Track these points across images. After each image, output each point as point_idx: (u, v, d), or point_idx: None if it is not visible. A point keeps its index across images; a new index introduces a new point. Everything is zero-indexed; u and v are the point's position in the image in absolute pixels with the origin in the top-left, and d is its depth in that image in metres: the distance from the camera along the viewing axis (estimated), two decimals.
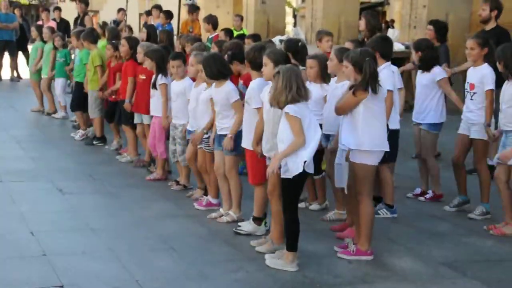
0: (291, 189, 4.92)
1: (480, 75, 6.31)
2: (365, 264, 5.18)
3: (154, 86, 7.40)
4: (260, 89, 5.44)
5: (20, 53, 16.83)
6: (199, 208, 6.47)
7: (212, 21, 11.61)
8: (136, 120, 8.07)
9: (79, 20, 14.28)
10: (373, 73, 5.09)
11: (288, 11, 34.11)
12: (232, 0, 20.15)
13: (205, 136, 6.32)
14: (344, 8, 15.19)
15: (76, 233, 5.71)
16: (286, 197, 4.97)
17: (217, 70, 5.99)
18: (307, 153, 4.80)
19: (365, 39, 8.31)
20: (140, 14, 31.51)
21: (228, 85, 5.99)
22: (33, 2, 41.98)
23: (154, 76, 7.44)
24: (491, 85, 6.28)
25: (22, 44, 16.81)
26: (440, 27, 8.09)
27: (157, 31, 10.54)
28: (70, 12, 15.92)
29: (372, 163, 5.19)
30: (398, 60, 8.44)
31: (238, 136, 5.89)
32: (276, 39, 14.42)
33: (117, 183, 7.40)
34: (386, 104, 5.90)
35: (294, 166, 4.81)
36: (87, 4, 14.76)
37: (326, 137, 5.99)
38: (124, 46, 8.42)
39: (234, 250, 5.43)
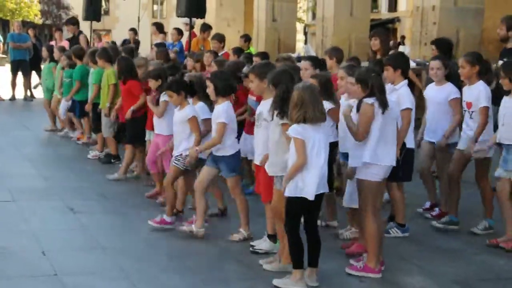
0: (287, 208, 4.91)
1: (477, 93, 6.32)
2: (376, 282, 5.15)
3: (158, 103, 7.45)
4: None
5: (33, 73, 17.00)
6: (152, 225, 6.36)
7: (223, 39, 11.68)
8: (147, 137, 8.13)
9: (73, 40, 14.39)
10: (380, 87, 5.14)
11: (299, 28, 34.24)
12: (243, 19, 20.28)
13: (177, 154, 6.31)
14: (354, 25, 15.24)
15: (87, 252, 5.73)
16: (285, 215, 4.96)
17: (223, 87, 6.00)
18: (311, 178, 4.79)
19: (377, 57, 8.30)
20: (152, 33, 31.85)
21: (223, 105, 5.96)
22: (47, 22, 42.43)
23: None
24: (485, 102, 6.29)
25: (35, 64, 16.97)
26: (443, 45, 7.95)
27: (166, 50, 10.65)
28: (84, 31, 16.02)
29: (375, 179, 5.19)
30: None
31: (236, 157, 5.92)
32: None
33: (128, 202, 7.43)
34: (404, 122, 5.92)
35: (292, 188, 4.82)
36: (74, 24, 14.85)
37: (344, 155, 5.98)
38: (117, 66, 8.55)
39: (245, 268, 5.43)
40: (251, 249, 5.76)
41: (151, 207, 7.23)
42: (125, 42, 15.05)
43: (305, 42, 36.87)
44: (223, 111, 5.91)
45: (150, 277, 5.17)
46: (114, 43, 13.38)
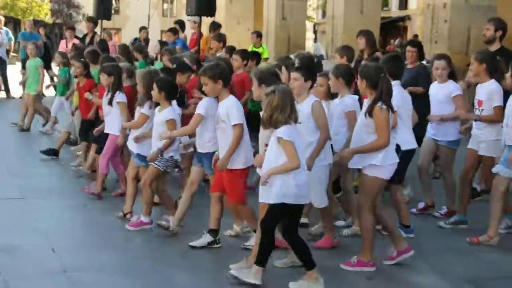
0: (272, 213, 4.84)
1: (487, 92, 6.32)
2: (386, 280, 5.14)
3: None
4: (238, 106, 5.51)
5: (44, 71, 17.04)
6: (130, 229, 6.30)
7: (222, 39, 11.57)
8: None
9: (89, 39, 14.40)
10: (388, 90, 5.12)
11: (309, 26, 34.19)
12: (253, 17, 20.27)
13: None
14: (365, 23, 15.16)
15: (97, 250, 5.74)
16: (265, 218, 4.88)
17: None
18: (297, 183, 4.75)
19: (365, 57, 8.27)
20: (162, 31, 31.89)
21: (206, 99, 5.84)
22: (57, 21, 42.58)
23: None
24: (498, 101, 6.27)
25: (46, 62, 17.03)
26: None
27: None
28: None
29: (384, 177, 5.23)
30: None
31: (210, 155, 5.81)
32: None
33: (138, 199, 7.41)
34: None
35: (280, 194, 4.75)
36: (95, 24, 14.84)
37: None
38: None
39: None
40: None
41: (162, 205, 7.23)
42: (135, 40, 15.06)
43: (315, 41, 36.79)
44: (203, 104, 5.83)
45: (160, 275, 5.17)
46: (103, 41, 13.29)
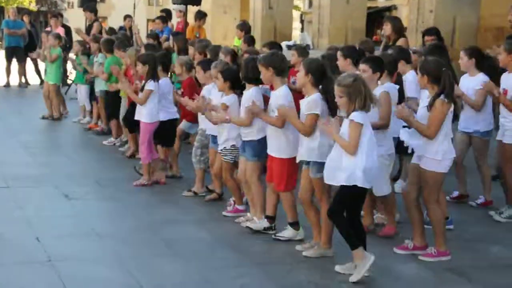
0: (340, 196, 4.92)
1: None
2: (370, 269, 5.16)
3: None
4: (288, 96, 5.56)
5: (28, 59, 16.93)
6: (227, 215, 6.44)
7: (245, 28, 11.50)
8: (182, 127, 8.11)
9: (87, 28, 14.30)
10: (451, 84, 5.18)
11: (295, 16, 34.14)
12: (239, 6, 20.19)
13: (222, 147, 6.31)
14: (351, 13, 15.19)
15: (82, 239, 5.72)
16: (334, 201, 4.98)
17: (248, 74, 5.94)
18: (363, 166, 4.79)
19: (391, 43, 8.32)
20: (148, 20, 31.73)
21: (252, 90, 5.94)
22: (42, 9, 42.22)
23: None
24: None
25: (30, 50, 16.88)
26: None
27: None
28: (79, 18, 15.91)
29: (444, 171, 5.32)
30: None
31: (262, 142, 5.85)
32: (282, 45, 14.43)
33: (123, 189, 7.42)
34: None
35: (350, 176, 4.81)
36: (92, 11, 14.61)
37: None
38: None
39: (239, 255, 5.44)
40: (273, 236, 5.78)
41: (146, 194, 7.24)
42: (121, 29, 14.96)
43: (302, 30, 36.75)
44: (251, 96, 5.88)
45: (145, 263, 5.17)
46: (112, 29, 13.24)
